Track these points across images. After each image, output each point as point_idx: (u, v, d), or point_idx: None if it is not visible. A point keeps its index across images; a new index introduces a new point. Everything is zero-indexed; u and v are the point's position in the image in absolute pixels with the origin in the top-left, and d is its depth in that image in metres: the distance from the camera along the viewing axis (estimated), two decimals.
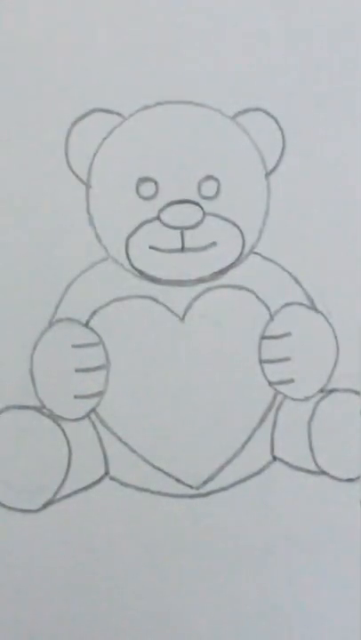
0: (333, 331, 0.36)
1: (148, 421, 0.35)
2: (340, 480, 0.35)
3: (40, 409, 0.34)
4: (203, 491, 0.35)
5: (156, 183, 0.35)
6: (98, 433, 0.34)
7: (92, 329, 0.35)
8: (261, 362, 0.35)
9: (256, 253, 0.36)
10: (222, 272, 0.36)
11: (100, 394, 0.35)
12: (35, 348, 0.34)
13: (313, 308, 0.36)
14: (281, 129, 0.36)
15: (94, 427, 0.34)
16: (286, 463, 0.35)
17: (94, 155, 0.35)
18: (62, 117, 0.35)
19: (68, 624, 0.33)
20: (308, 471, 0.35)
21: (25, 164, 0.35)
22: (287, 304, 0.36)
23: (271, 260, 0.36)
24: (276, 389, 0.35)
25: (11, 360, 0.34)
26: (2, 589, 0.33)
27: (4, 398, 0.34)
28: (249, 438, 0.35)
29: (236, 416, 0.35)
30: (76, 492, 0.34)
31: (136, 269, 0.35)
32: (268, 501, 0.35)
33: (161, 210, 0.35)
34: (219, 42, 0.36)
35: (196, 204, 0.35)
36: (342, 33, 0.37)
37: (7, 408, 0.34)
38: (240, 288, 0.36)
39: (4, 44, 0.36)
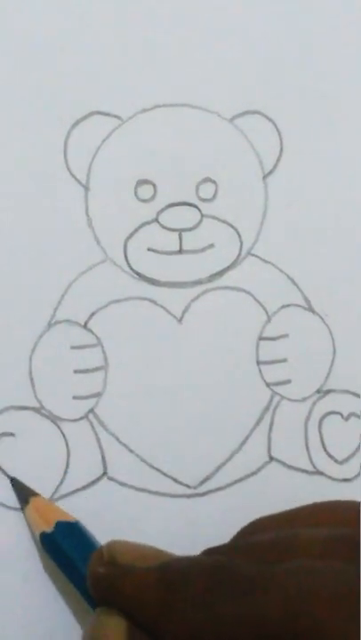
0: (330, 332, 0.36)
1: (146, 422, 0.35)
2: (336, 480, 0.36)
3: (39, 410, 0.34)
4: (200, 490, 0.35)
5: (154, 186, 0.35)
6: (96, 433, 0.35)
7: (90, 330, 0.35)
8: (259, 363, 0.36)
9: (254, 255, 0.36)
10: (220, 274, 0.36)
11: (98, 395, 0.35)
12: (33, 350, 0.35)
13: (310, 309, 0.36)
14: (279, 131, 0.36)
15: (92, 427, 0.35)
16: (283, 463, 0.35)
17: (93, 157, 0.36)
18: (61, 120, 0.35)
19: (67, 623, 0.34)
20: (305, 471, 0.35)
21: (24, 166, 0.35)
22: (284, 306, 0.36)
23: (269, 262, 0.36)
24: (273, 390, 0.36)
25: (10, 361, 0.34)
26: (1, 589, 0.34)
27: (3, 399, 0.34)
28: (246, 439, 0.35)
29: (233, 417, 0.35)
30: (74, 492, 0.34)
31: (134, 271, 0.35)
32: (265, 501, 0.35)
33: (159, 212, 0.35)
34: (217, 44, 0.36)
35: (195, 206, 0.36)
36: (342, 35, 0.37)
37: (6, 409, 0.34)
38: (238, 290, 0.36)
39: (2, 47, 0.36)
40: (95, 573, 0.29)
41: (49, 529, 0.32)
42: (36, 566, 0.34)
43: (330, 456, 0.36)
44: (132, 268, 0.35)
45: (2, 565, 0.34)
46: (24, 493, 0.34)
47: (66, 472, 0.34)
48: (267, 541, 0.28)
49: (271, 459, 0.35)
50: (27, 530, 0.34)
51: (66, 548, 0.31)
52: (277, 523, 0.30)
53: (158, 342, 0.35)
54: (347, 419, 0.36)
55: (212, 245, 0.36)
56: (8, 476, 0.34)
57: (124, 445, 0.35)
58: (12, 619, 0.33)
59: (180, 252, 0.35)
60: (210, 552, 0.29)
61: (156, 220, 0.35)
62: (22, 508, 0.34)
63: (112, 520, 0.34)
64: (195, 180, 0.36)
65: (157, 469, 0.35)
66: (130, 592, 0.27)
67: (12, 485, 0.34)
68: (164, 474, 0.35)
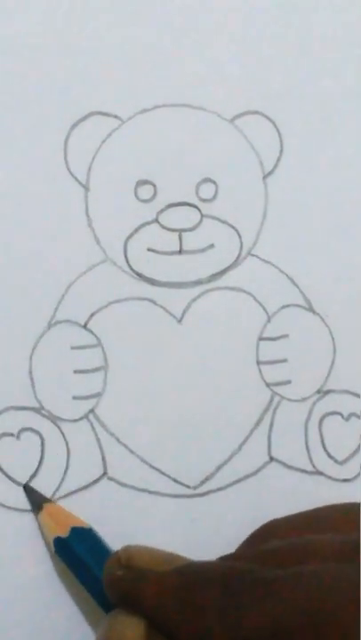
0: (330, 332, 0.36)
1: (146, 422, 0.35)
2: (336, 480, 0.36)
3: (39, 410, 0.34)
4: (200, 491, 0.35)
5: (154, 186, 0.36)
6: (96, 434, 0.35)
7: (90, 331, 0.35)
8: (259, 363, 0.36)
9: (254, 255, 0.36)
10: (220, 274, 0.36)
11: (98, 395, 0.35)
12: (33, 350, 0.35)
13: (310, 309, 0.36)
14: (279, 131, 0.37)
15: (92, 427, 0.35)
16: (283, 463, 0.35)
17: (93, 157, 0.36)
18: (61, 120, 0.35)
19: (67, 624, 0.34)
20: (305, 471, 0.35)
21: (24, 167, 0.35)
22: (284, 306, 0.36)
23: (269, 262, 0.36)
24: (273, 390, 0.36)
25: (10, 361, 0.34)
26: (0, 589, 0.34)
27: (3, 399, 0.34)
28: (246, 439, 0.35)
29: (233, 417, 0.35)
30: (74, 492, 0.34)
31: (134, 271, 0.35)
32: (265, 501, 0.35)
33: (159, 212, 0.35)
34: (217, 44, 0.36)
35: (195, 206, 0.36)
36: (342, 35, 0.37)
37: (6, 409, 0.34)
38: (238, 290, 0.36)
39: (2, 47, 0.36)
40: (112, 576, 0.29)
41: (64, 534, 0.32)
42: (45, 569, 0.34)
43: (330, 456, 0.36)
44: (132, 269, 0.35)
45: (10, 567, 0.34)
46: (37, 499, 0.34)
47: (66, 472, 0.34)
48: (282, 548, 0.28)
49: (271, 459, 0.35)
50: (40, 533, 0.34)
51: (80, 553, 0.32)
52: (292, 526, 0.30)
53: (158, 342, 0.35)
54: (347, 419, 0.36)
55: (212, 245, 0.36)
56: (19, 484, 0.34)
57: (124, 445, 0.35)
58: (23, 621, 0.34)
59: (181, 252, 0.36)
60: (224, 559, 0.29)
61: (156, 220, 0.35)
62: (35, 514, 0.34)
63: (112, 520, 0.34)
64: (195, 180, 0.36)
65: (157, 469, 0.35)
66: (148, 595, 0.27)
67: (25, 491, 0.34)
68: (164, 474, 0.35)
